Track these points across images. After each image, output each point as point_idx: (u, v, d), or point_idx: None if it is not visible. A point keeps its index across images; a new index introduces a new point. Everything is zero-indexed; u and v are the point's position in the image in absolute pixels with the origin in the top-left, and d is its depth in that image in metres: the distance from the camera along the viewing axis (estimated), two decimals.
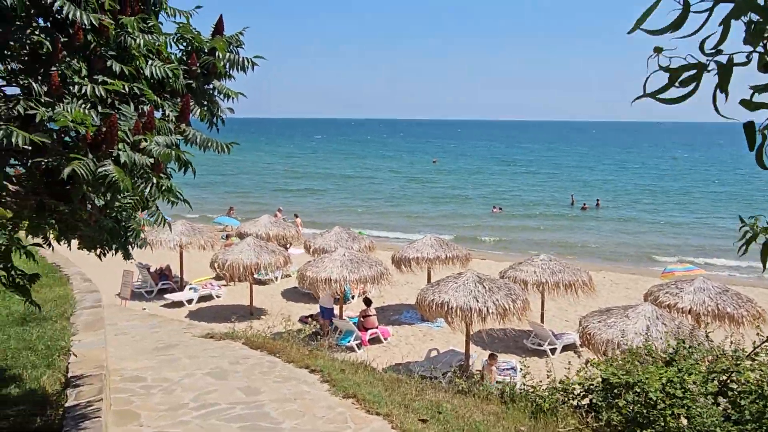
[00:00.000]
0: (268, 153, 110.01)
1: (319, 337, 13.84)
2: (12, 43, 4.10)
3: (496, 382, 11.75)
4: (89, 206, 4.92)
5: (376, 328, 16.66)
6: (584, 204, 46.95)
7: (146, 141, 3.87)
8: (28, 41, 3.86)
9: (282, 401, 7.91)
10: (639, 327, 11.71)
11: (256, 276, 19.68)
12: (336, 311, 17.45)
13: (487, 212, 45.49)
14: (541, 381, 9.02)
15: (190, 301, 19.87)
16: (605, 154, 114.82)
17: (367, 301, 17.09)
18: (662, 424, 6.58)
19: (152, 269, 21.41)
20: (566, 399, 8.30)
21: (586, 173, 76.30)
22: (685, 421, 6.66)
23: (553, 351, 15.80)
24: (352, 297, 20.28)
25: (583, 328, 12.57)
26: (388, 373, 10.22)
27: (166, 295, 20.31)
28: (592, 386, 8.03)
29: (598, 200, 48.47)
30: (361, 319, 16.69)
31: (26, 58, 4.08)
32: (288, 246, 24.21)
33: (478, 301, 13.46)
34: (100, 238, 5.20)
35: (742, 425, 6.64)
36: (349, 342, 15.69)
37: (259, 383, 8.62)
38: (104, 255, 5.67)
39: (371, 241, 22.27)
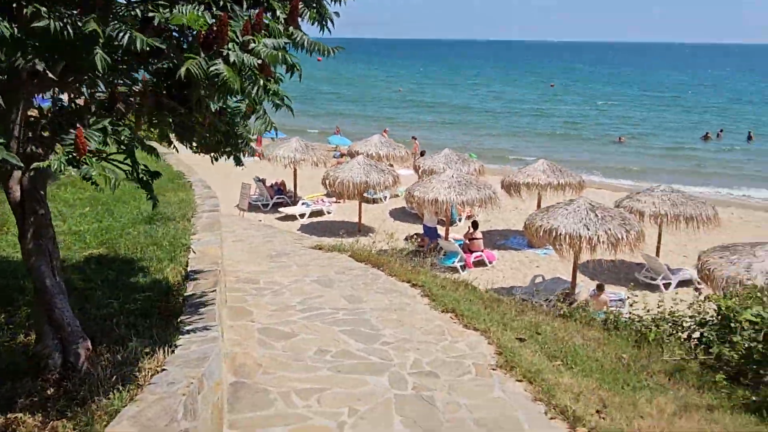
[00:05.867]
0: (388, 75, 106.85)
1: (421, 254, 14.05)
2: None
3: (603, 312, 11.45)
4: (204, 109, 5.16)
5: (482, 251, 16.63)
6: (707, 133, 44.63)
7: (254, 42, 3.92)
8: None
9: (382, 310, 8.19)
10: None
11: (365, 194, 20.11)
12: (441, 232, 17.57)
13: (610, 142, 43.10)
14: (648, 310, 8.66)
15: (302, 215, 20.79)
16: None
17: (475, 224, 17.02)
18: None
19: (268, 183, 22.49)
20: (675, 331, 7.94)
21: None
22: None
23: (666, 286, 15.06)
24: (459, 219, 20.24)
25: (703, 263, 11.82)
26: (488, 293, 10.25)
27: (281, 209, 21.33)
28: (704, 320, 7.60)
29: (720, 130, 45.62)
30: (467, 241, 16.70)
31: None
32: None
33: (588, 229, 12.99)
34: (214, 141, 5.48)
35: None
36: (453, 263, 15.82)
37: (362, 293, 8.95)
38: (216, 159, 5.99)
39: (481, 164, 21.85)
